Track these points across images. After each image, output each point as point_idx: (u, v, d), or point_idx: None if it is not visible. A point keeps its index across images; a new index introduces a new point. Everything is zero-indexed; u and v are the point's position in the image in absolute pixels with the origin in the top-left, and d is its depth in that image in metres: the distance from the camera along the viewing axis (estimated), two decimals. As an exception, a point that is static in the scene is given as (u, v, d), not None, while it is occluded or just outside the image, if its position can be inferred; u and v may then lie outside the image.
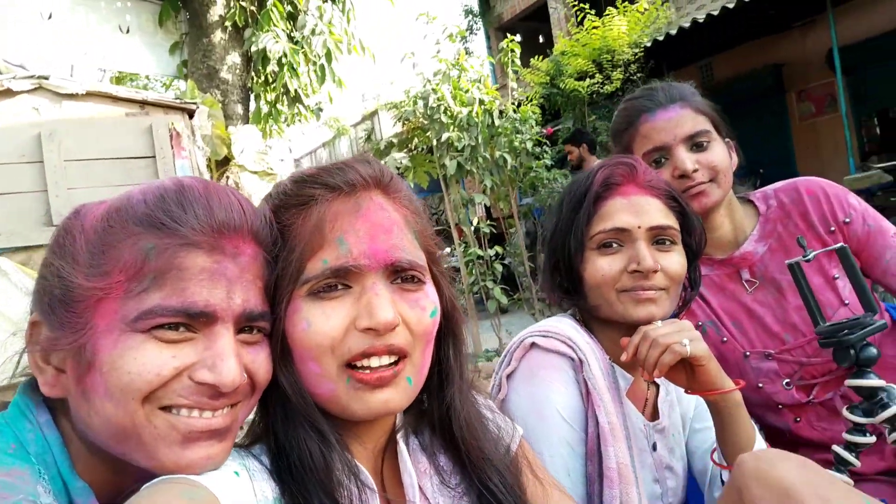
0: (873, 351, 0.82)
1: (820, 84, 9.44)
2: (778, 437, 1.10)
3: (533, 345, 1.18)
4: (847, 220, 1.41)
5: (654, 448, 1.21)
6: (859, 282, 0.89)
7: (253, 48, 7.17)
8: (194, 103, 4.66)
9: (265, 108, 8.08)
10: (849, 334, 0.83)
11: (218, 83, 7.34)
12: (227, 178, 6.42)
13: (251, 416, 0.88)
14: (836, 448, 0.84)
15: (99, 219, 0.78)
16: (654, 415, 1.26)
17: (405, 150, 7.81)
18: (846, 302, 1.35)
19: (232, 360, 0.75)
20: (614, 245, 1.18)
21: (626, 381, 1.21)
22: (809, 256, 0.95)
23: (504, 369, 1.20)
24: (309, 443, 0.79)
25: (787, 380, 1.42)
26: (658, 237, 1.17)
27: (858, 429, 0.83)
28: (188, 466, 0.74)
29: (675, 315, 1.23)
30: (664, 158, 1.47)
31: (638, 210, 1.17)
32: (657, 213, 1.17)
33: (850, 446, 0.83)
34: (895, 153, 8.94)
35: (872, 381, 0.81)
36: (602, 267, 1.17)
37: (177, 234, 0.74)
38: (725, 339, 1.49)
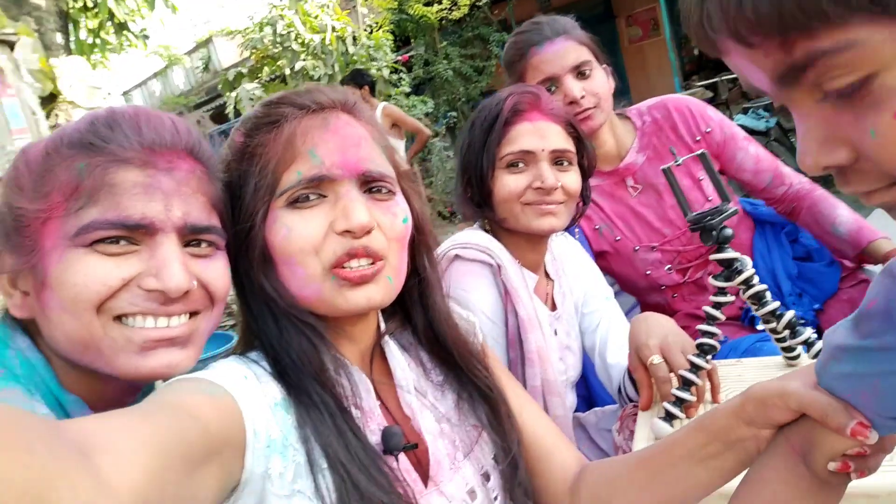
0: (729, 231, 1.06)
1: (644, 9, 10.17)
2: (658, 311, 1.37)
3: (456, 256, 1.34)
4: (708, 129, 1.76)
5: (556, 333, 1.43)
6: (717, 179, 1.13)
7: (68, -32, 6.39)
8: (13, 34, 4.14)
9: (88, 38, 7.29)
10: (711, 219, 1.05)
11: (29, 10, 6.48)
12: (57, 115, 5.79)
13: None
14: (706, 308, 1.08)
15: (40, 150, 0.80)
16: (553, 306, 1.47)
17: (256, 81, 7.47)
18: (709, 198, 1.72)
19: (176, 265, 0.78)
20: (520, 165, 1.33)
21: (532, 280, 1.40)
22: (679, 162, 1.17)
23: None
24: (300, 340, 0.84)
25: (669, 265, 1.77)
26: (558, 159, 1.34)
27: (721, 292, 1.08)
28: (150, 374, 0.79)
29: (571, 224, 1.43)
30: (553, 87, 1.66)
31: (542, 134, 1.33)
32: (558, 137, 1.33)
33: (716, 305, 1.08)
34: (711, 71, 9.96)
35: (730, 254, 1.06)
36: (509, 183, 1.33)
37: (105, 152, 0.77)
38: (619, 237, 1.79)
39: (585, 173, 1.41)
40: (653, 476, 0.88)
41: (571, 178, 1.35)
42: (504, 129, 1.33)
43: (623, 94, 1.95)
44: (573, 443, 1.25)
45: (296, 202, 0.85)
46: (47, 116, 5.33)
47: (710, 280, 1.10)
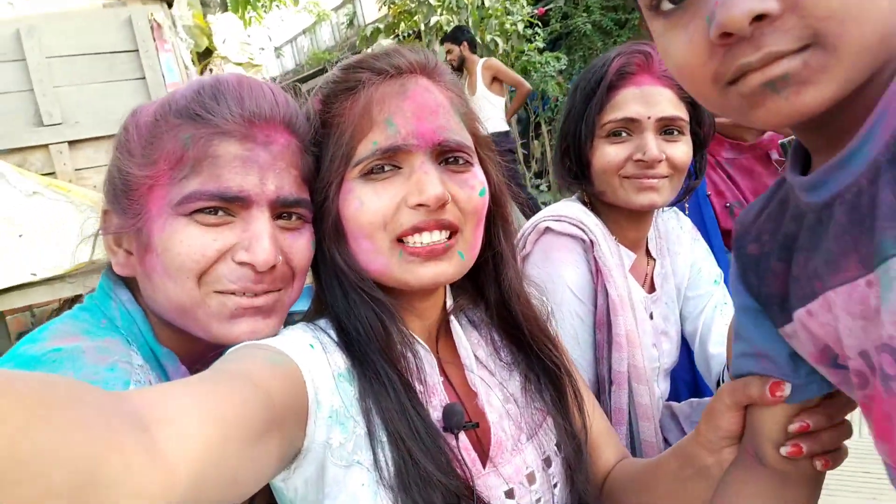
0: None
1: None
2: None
3: (547, 229, 1.26)
4: None
5: (651, 317, 1.32)
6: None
7: (225, -72, 6.75)
8: (172, -9, 4.46)
9: (243, -6, 7.71)
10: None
11: (191, -32, 6.96)
12: (211, 70, 6.24)
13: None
14: None
15: (150, 115, 0.85)
16: (652, 287, 1.36)
17: (392, 36, 7.57)
18: None
19: (266, 240, 0.81)
20: (623, 134, 1.22)
21: (630, 259, 1.30)
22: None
23: (519, 253, 1.28)
24: (367, 313, 0.84)
25: None
26: (666, 127, 1.22)
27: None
28: (237, 339, 0.82)
29: (678, 200, 1.30)
30: None
31: (649, 100, 1.20)
32: (668, 103, 1.21)
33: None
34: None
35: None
36: (608, 153, 1.23)
37: (210, 124, 0.81)
38: None
39: (700, 143, 1.27)
40: (649, 487, 0.93)
41: (680, 150, 1.22)
42: (608, 94, 1.22)
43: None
44: (622, 439, 1.21)
45: (370, 173, 0.83)
46: (201, 72, 5.76)
47: None
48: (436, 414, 0.84)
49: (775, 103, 0.51)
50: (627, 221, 1.30)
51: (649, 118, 1.20)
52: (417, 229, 0.82)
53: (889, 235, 0.50)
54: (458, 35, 5.32)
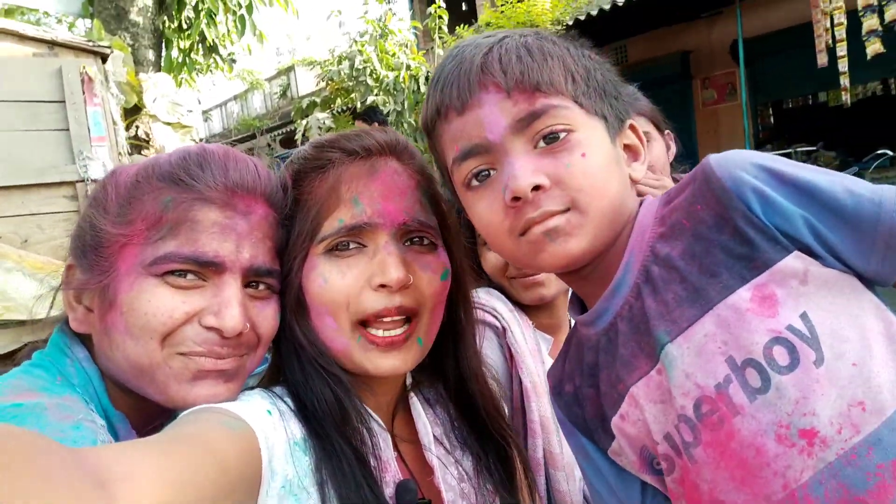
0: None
1: (723, 73, 10.05)
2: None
3: None
4: None
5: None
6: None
7: (168, -9, 6.78)
8: (108, 47, 4.39)
9: (178, 57, 7.68)
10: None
11: (127, 25, 6.90)
12: (137, 127, 6.09)
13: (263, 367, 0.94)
14: None
15: (131, 175, 0.85)
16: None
17: (328, 111, 7.70)
18: None
19: (235, 308, 0.81)
20: None
21: (547, 343, 1.35)
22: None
23: None
24: (323, 388, 0.84)
25: None
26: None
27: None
28: (194, 401, 0.80)
29: None
30: None
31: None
32: None
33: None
34: (785, 141, 9.69)
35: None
36: (489, 259, 1.32)
37: (193, 190, 0.81)
38: None
39: None
40: None
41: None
42: None
43: (689, 157, 1.89)
44: None
45: (335, 250, 0.85)
46: (127, 128, 5.61)
47: None
48: (389, 490, 0.84)
49: (552, 248, 0.74)
50: (536, 309, 1.35)
51: None
52: (378, 316, 0.83)
53: (661, 329, 0.72)
54: (371, 116, 5.46)
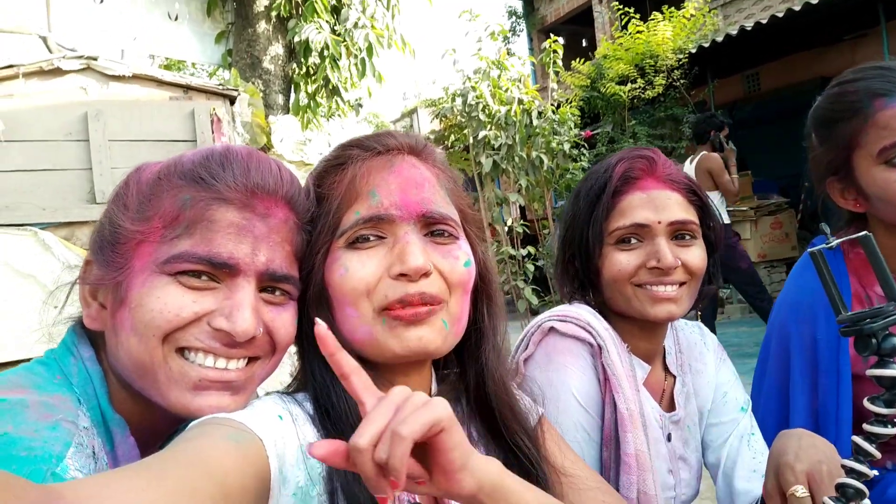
0: (895, 341, 0.80)
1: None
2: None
3: (552, 329, 1.17)
4: None
5: (669, 439, 1.19)
6: (882, 270, 0.86)
7: (296, 39, 7.27)
8: (235, 90, 4.75)
9: (304, 100, 8.18)
10: (870, 323, 0.80)
11: (261, 73, 7.47)
12: (265, 166, 6.54)
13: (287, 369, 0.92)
14: (855, 438, 0.82)
15: (153, 173, 0.85)
16: (671, 406, 1.24)
17: (441, 147, 7.85)
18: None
19: (248, 311, 0.78)
20: (633, 240, 1.16)
21: (644, 371, 1.20)
22: (832, 244, 0.92)
23: (521, 353, 1.20)
24: (343, 390, 0.81)
25: None
26: (678, 232, 1.15)
27: (879, 420, 0.81)
28: (197, 411, 0.78)
29: (693, 309, 1.21)
30: None
31: (657, 205, 1.14)
32: (677, 207, 1.15)
33: (870, 437, 0.81)
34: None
35: (894, 371, 0.79)
36: (619, 261, 1.16)
37: (212, 189, 0.80)
38: None
39: (712, 248, 1.20)
40: None
41: (695, 254, 1.14)
42: (613, 200, 1.17)
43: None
44: None
45: (355, 242, 0.84)
46: (255, 165, 6.02)
47: (866, 403, 0.83)
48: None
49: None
50: (640, 331, 1.20)
51: (660, 223, 1.14)
52: (402, 302, 0.81)
53: None
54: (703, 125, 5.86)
